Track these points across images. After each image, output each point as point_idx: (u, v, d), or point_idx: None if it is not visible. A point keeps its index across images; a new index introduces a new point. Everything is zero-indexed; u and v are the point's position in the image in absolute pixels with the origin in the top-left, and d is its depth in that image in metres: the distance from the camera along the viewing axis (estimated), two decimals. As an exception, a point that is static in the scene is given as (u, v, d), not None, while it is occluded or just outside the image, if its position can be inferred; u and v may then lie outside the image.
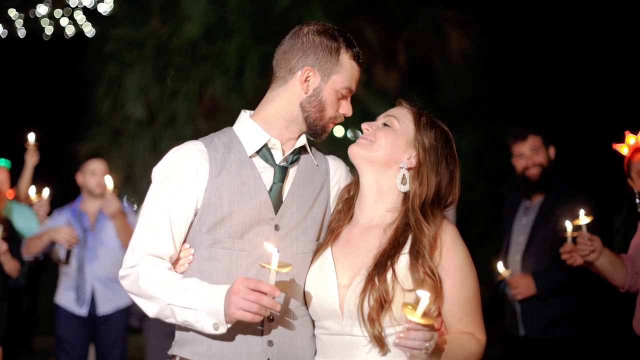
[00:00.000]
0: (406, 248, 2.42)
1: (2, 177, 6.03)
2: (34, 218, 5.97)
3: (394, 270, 2.38)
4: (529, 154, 4.77)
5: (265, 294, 2.23)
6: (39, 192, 6.03)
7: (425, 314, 2.15)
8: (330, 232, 2.58)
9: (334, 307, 2.43)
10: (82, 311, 5.65)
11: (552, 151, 4.82)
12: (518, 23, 8.43)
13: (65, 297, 5.69)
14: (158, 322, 5.20)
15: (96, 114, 8.41)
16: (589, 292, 4.64)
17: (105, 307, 5.68)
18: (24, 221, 5.87)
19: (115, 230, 5.65)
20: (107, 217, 5.63)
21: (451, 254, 2.43)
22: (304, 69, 2.51)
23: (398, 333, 2.21)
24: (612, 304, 4.31)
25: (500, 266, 4.58)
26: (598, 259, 3.69)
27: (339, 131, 7.74)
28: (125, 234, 5.64)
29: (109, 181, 5.54)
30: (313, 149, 2.67)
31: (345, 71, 2.54)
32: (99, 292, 5.66)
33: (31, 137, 6.14)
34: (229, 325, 2.33)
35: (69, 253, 5.61)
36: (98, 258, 5.65)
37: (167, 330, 5.25)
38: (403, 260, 2.41)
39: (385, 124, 2.57)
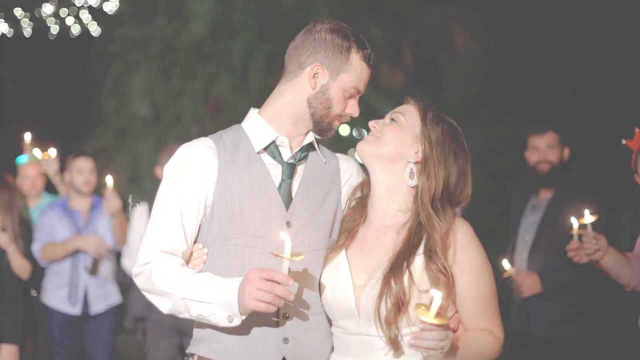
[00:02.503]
0: (421, 249, 2.43)
1: (32, 172, 6.04)
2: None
3: (410, 272, 2.38)
4: (544, 149, 4.82)
5: (278, 283, 2.24)
6: (45, 151, 6.01)
7: (438, 314, 2.15)
8: (346, 232, 2.59)
9: (350, 307, 2.45)
10: (75, 310, 5.61)
11: (566, 152, 4.85)
12: (524, 21, 8.43)
13: (56, 297, 5.64)
14: (156, 323, 5.24)
15: (101, 113, 8.43)
16: (595, 290, 4.64)
17: (98, 306, 5.66)
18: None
19: (113, 228, 5.65)
20: (107, 215, 5.64)
21: (466, 252, 2.43)
22: (313, 65, 2.52)
23: (412, 334, 2.22)
24: (618, 302, 4.30)
25: (505, 263, 4.60)
26: (603, 258, 3.69)
27: (344, 130, 7.74)
28: (122, 232, 5.63)
29: (109, 180, 5.54)
30: (321, 146, 2.68)
31: (354, 71, 2.55)
32: (92, 290, 5.65)
33: (27, 136, 6.14)
34: (244, 317, 2.34)
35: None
36: (91, 256, 5.65)
37: (165, 331, 5.26)
38: (418, 261, 2.41)
39: (392, 120, 2.58)
